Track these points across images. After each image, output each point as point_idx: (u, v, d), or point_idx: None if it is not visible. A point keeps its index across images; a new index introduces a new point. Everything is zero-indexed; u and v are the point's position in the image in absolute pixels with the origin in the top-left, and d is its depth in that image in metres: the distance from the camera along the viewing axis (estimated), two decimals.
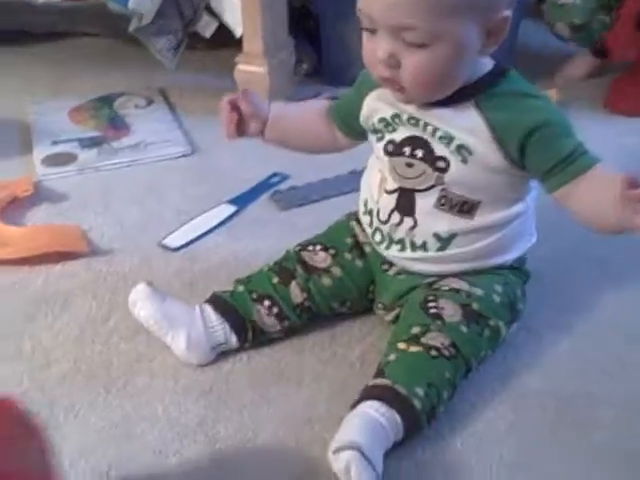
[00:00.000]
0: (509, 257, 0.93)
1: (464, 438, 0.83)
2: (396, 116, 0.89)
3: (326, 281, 0.96)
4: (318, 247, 0.98)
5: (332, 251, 0.98)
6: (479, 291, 0.90)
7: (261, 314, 0.94)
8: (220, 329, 0.92)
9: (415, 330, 0.86)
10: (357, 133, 0.98)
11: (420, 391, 0.81)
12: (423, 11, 0.77)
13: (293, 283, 0.95)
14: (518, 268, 0.96)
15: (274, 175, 1.35)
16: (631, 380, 0.91)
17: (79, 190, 1.32)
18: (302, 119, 1.04)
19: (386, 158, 0.91)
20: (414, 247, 0.92)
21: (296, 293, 0.95)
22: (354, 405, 0.81)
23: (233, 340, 0.93)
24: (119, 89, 1.66)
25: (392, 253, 0.94)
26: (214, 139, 1.44)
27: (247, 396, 0.89)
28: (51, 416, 0.86)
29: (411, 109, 0.88)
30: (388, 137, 0.91)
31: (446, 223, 0.89)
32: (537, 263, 0.99)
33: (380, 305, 0.97)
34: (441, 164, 0.87)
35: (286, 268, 0.97)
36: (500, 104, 0.84)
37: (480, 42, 0.82)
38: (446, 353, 0.84)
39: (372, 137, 0.94)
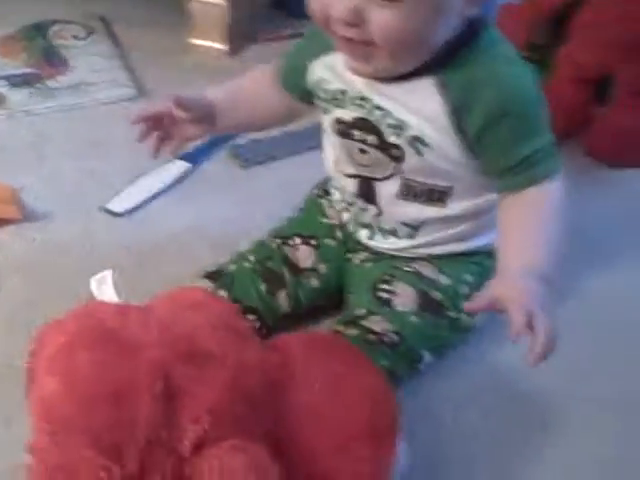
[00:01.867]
0: (486, 241, 0.87)
1: (446, 436, 0.79)
2: (342, 92, 0.79)
3: (313, 282, 0.89)
4: (298, 240, 0.90)
5: (313, 242, 0.90)
6: (445, 280, 0.85)
7: None
8: None
9: (358, 312, 0.82)
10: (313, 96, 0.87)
11: None
12: None
13: (282, 293, 0.87)
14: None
15: None
16: (615, 379, 0.87)
17: (8, 139, 1.18)
18: (249, 96, 0.92)
19: (337, 139, 0.83)
20: (384, 233, 0.87)
21: (284, 304, 0.87)
22: None
23: None
24: (55, 15, 1.48)
25: (361, 237, 0.89)
26: (164, 80, 1.32)
27: None
28: None
29: (360, 84, 0.77)
30: (336, 113, 0.81)
31: (414, 211, 0.83)
32: None
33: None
34: (396, 152, 0.78)
35: (272, 271, 0.88)
36: (465, 80, 0.73)
37: (461, 2, 0.70)
38: (386, 339, 0.79)
39: (319, 106, 0.84)
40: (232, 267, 0.88)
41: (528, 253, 0.73)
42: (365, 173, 0.83)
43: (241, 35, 1.42)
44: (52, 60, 1.35)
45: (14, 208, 1.02)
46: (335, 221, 0.91)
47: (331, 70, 0.80)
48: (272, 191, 1.10)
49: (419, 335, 0.81)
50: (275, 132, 1.18)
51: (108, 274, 0.79)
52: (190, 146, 1.14)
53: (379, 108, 0.77)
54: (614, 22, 1.15)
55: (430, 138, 0.76)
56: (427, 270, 0.85)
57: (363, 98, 0.78)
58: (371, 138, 0.79)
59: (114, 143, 1.17)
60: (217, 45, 1.41)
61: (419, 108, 0.75)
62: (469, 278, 0.86)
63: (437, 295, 0.83)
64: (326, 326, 0.88)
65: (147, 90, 1.30)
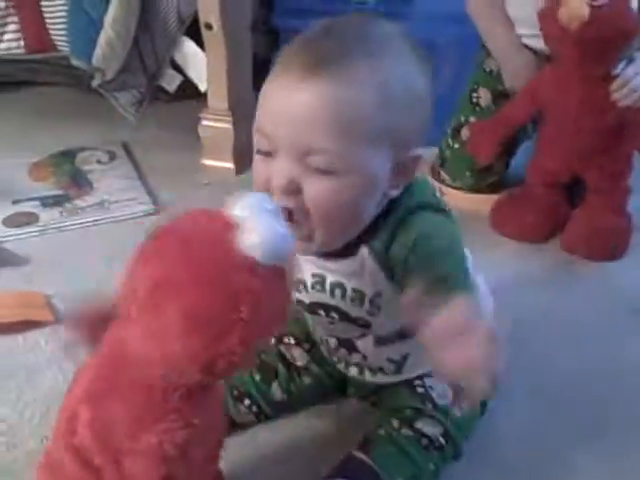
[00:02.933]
0: None
1: None
2: (299, 283, 0.81)
3: (306, 380, 0.93)
4: (292, 341, 0.94)
5: (306, 346, 0.94)
6: None
7: (240, 411, 0.91)
8: None
9: (408, 412, 0.83)
10: None
11: None
12: (336, 134, 0.68)
13: (275, 384, 0.92)
14: None
15: None
16: (605, 446, 0.91)
17: (42, 252, 1.29)
18: None
19: (304, 311, 0.85)
20: (372, 371, 0.89)
21: (277, 393, 0.92)
22: (328, 477, 0.79)
23: None
24: (81, 143, 1.63)
25: (352, 374, 0.91)
26: (179, 197, 1.44)
27: None
28: None
29: (312, 266, 0.79)
30: (296, 296, 0.82)
31: (395, 350, 0.85)
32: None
33: (353, 389, 0.94)
34: (361, 322, 0.81)
35: (267, 363, 0.92)
36: (387, 244, 0.75)
37: (388, 180, 0.73)
38: (436, 444, 0.81)
39: None
40: None
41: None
42: (341, 335, 0.85)
43: (246, 155, 1.54)
44: (79, 182, 1.48)
45: (47, 311, 1.11)
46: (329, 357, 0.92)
47: None
48: None
49: (461, 428, 0.83)
50: None
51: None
52: None
53: (337, 285, 0.78)
54: (572, 135, 1.26)
55: (383, 290, 0.77)
56: None
57: (320, 278, 0.79)
58: (334, 314, 0.81)
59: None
60: (225, 164, 1.54)
61: (365, 272, 0.76)
62: None
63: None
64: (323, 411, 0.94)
65: (165, 206, 1.42)
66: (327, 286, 0.79)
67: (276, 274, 0.61)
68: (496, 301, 0.94)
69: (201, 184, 1.51)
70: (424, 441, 0.81)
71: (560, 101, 1.26)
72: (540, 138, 1.31)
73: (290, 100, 0.69)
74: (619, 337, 1.10)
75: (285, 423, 0.94)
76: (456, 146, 1.43)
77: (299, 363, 0.93)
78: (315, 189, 0.70)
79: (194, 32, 1.51)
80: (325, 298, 0.80)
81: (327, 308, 0.81)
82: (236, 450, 0.89)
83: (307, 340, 0.94)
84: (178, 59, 1.56)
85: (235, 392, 0.91)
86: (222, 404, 0.71)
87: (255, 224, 0.60)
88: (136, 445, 0.61)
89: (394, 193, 0.75)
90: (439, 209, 0.77)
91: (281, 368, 0.92)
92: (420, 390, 0.85)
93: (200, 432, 0.63)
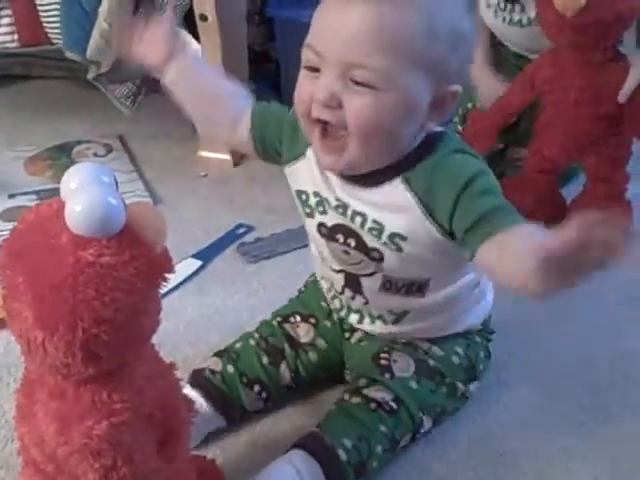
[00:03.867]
0: (470, 323, 0.93)
1: None
2: (323, 201, 0.84)
3: (312, 356, 0.94)
4: (298, 318, 0.96)
5: (312, 320, 0.96)
6: (438, 351, 0.90)
7: (250, 398, 0.91)
8: (209, 416, 0.89)
9: (361, 382, 0.87)
10: (272, 159, 0.91)
11: (348, 443, 0.81)
12: (381, 51, 0.72)
13: (283, 365, 0.93)
14: (482, 329, 0.95)
15: (239, 226, 1.33)
16: (605, 432, 0.92)
17: None
18: (218, 97, 0.92)
19: (322, 240, 0.86)
20: (372, 317, 0.91)
21: (285, 375, 0.93)
22: (285, 452, 0.82)
23: (221, 424, 0.91)
24: (77, 136, 1.63)
25: (351, 321, 0.93)
26: (177, 189, 1.44)
27: None
28: None
29: (339, 191, 0.82)
30: (319, 218, 0.85)
31: (397, 302, 0.88)
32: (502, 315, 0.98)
33: (348, 372, 0.95)
34: (375, 255, 0.83)
35: (275, 346, 0.94)
36: (429, 177, 0.78)
37: (426, 111, 0.76)
38: (386, 407, 0.84)
39: (299, 205, 0.88)
40: (238, 345, 0.94)
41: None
42: (350, 270, 0.86)
43: None
44: None
45: None
46: (331, 305, 0.95)
47: (310, 181, 0.84)
48: (277, 283, 1.18)
49: (418, 400, 0.86)
50: (278, 230, 1.31)
51: None
52: (201, 244, 1.27)
53: (358, 214, 0.81)
54: (571, 121, 1.25)
55: (408, 230, 0.79)
56: (421, 343, 0.90)
57: (341, 206, 0.82)
58: (352, 241, 0.83)
59: None
60: (222, 156, 1.53)
61: (393, 205, 0.79)
62: (460, 350, 0.91)
63: (433, 363, 0.88)
64: (329, 396, 0.94)
65: (162, 199, 1.41)
66: (349, 212, 0.82)
67: (124, 244, 0.59)
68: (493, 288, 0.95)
69: (199, 176, 1.50)
70: (372, 405, 0.84)
71: (558, 87, 1.25)
72: (538, 125, 1.30)
73: (340, 17, 0.73)
74: (616, 324, 1.10)
75: (284, 423, 0.94)
76: None
77: (305, 339, 0.95)
78: (356, 104, 0.73)
79: (189, 23, 1.50)
80: (347, 222, 0.82)
81: (347, 232, 0.83)
82: (234, 446, 0.90)
83: (312, 315, 0.96)
84: None
85: (244, 379, 0.91)
86: (163, 380, 0.69)
87: (80, 196, 0.58)
88: (69, 447, 0.61)
89: (431, 126, 0.78)
90: (476, 156, 0.81)
91: (287, 348, 0.94)
92: (384, 362, 0.88)
93: (134, 416, 0.62)
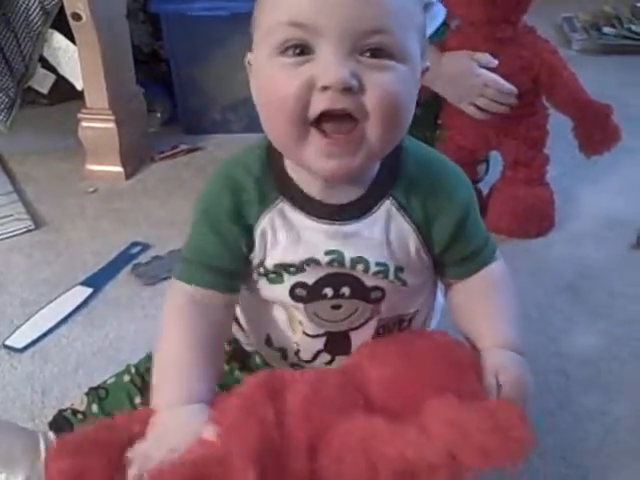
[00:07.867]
0: None
1: None
2: (308, 261, 0.69)
3: None
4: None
5: None
6: None
7: None
8: None
9: None
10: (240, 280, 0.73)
11: None
12: (392, 15, 0.60)
13: None
14: None
15: (134, 245, 1.22)
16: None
17: None
18: (202, 345, 0.70)
19: (298, 304, 0.72)
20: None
21: None
22: None
23: None
24: None
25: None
26: (62, 209, 1.33)
27: None
28: None
29: (323, 245, 0.68)
30: (293, 280, 0.70)
31: None
32: None
33: None
34: (377, 294, 0.71)
35: (149, 383, 0.78)
36: (418, 196, 0.69)
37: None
38: None
39: (256, 277, 0.72)
40: (110, 380, 0.82)
41: (502, 333, 0.71)
42: (337, 328, 0.73)
43: (135, 156, 1.43)
44: None
45: None
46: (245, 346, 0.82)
47: (290, 249, 0.69)
48: None
49: None
50: (177, 246, 1.18)
51: None
52: (91, 269, 1.15)
53: (358, 261, 0.69)
54: None
55: (408, 259, 0.71)
56: None
57: (338, 258, 0.69)
58: (346, 289, 0.71)
59: (13, 277, 1.15)
60: (113, 168, 1.41)
61: (392, 241, 0.69)
62: None
63: None
64: None
65: (46, 220, 1.30)
66: (347, 262, 0.69)
67: None
68: None
69: (87, 192, 1.39)
70: None
71: None
72: (446, 114, 1.23)
73: None
74: (547, 315, 1.05)
75: None
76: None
77: None
78: (379, 82, 0.60)
79: (65, 25, 1.36)
80: (346, 270, 0.70)
81: (340, 281, 0.70)
82: None
83: None
84: (48, 56, 1.43)
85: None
86: None
87: None
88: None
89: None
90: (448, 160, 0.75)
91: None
92: None
93: None
